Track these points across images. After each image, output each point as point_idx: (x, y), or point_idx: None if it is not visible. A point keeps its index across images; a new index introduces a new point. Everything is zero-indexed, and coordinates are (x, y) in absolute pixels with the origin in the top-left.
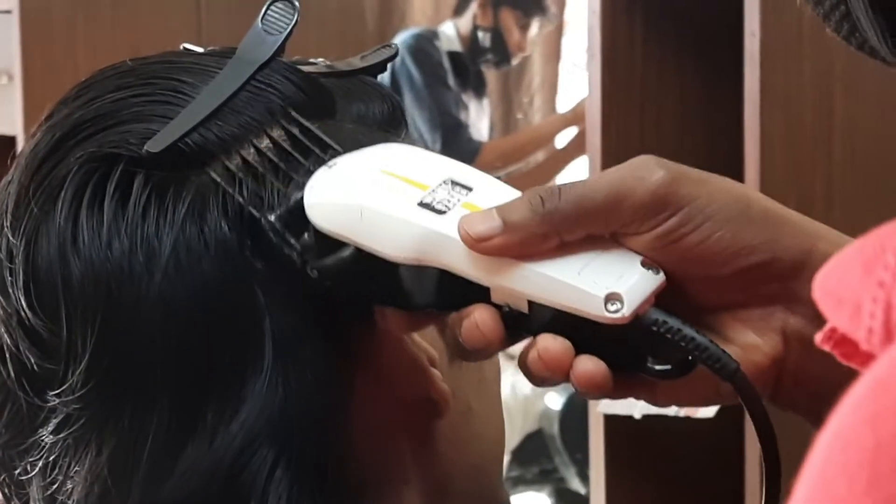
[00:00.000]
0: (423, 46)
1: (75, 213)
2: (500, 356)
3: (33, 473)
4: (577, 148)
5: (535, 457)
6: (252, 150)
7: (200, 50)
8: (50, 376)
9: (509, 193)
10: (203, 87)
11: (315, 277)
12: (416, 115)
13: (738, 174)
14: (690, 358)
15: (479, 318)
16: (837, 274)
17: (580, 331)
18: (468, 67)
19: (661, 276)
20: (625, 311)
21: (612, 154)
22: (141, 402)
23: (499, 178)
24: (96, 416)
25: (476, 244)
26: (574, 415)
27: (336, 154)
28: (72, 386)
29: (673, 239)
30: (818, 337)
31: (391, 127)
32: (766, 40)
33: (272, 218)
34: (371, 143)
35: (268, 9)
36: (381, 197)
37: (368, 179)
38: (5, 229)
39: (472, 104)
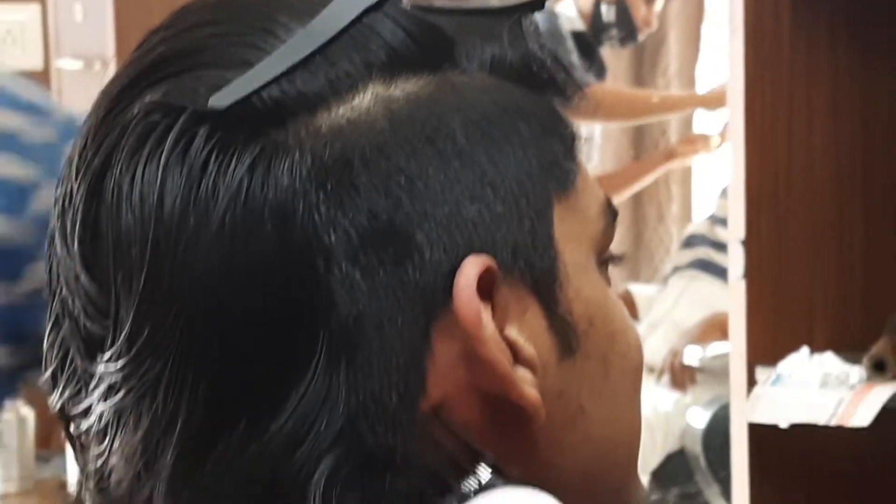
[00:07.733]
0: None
1: (134, 166)
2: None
3: (90, 439)
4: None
5: (675, 479)
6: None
7: None
8: (100, 338)
9: None
10: (299, 30)
11: None
12: None
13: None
14: None
15: None
16: None
17: None
18: (593, 47)
19: None
20: None
21: (758, 143)
22: (175, 384)
23: None
24: (135, 390)
25: None
26: (719, 432)
27: None
28: (115, 352)
29: None
30: None
31: (537, 82)
32: None
33: None
34: (509, 102)
35: None
36: None
37: None
38: (72, 168)
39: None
